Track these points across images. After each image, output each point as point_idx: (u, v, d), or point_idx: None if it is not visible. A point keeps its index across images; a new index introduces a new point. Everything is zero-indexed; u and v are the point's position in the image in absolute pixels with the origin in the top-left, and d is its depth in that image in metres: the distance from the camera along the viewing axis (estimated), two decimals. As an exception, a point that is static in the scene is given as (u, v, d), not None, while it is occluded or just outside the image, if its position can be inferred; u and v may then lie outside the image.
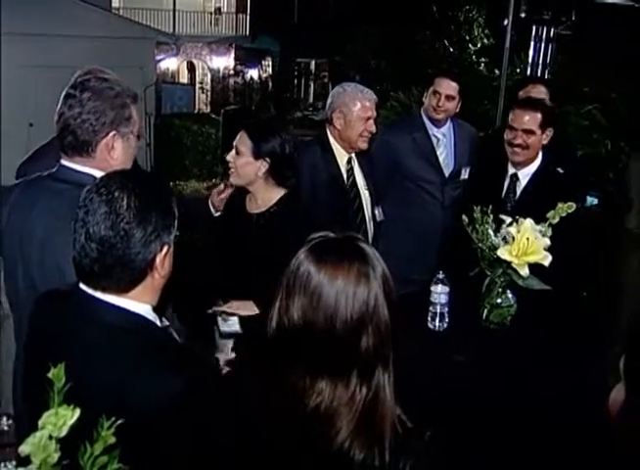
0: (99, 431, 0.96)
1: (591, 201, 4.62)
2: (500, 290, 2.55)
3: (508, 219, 2.53)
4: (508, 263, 2.47)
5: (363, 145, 3.16)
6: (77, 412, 0.94)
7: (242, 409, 1.29)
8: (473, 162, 3.75)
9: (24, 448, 0.92)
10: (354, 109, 3.10)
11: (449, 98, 3.62)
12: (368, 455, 1.18)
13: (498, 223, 2.54)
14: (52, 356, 1.04)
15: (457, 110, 3.71)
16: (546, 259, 2.47)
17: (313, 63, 23.93)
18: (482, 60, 10.02)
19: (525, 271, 2.46)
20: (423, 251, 3.55)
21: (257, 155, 2.56)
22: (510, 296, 2.56)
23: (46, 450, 0.92)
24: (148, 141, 10.27)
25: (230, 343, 2.31)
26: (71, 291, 1.44)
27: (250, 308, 2.49)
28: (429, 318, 2.58)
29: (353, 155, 3.22)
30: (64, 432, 0.93)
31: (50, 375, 0.97)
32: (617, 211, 4.28)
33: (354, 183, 3.22)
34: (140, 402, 1.26)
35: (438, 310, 2.56)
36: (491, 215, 2.53)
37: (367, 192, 3.26)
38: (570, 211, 2.49)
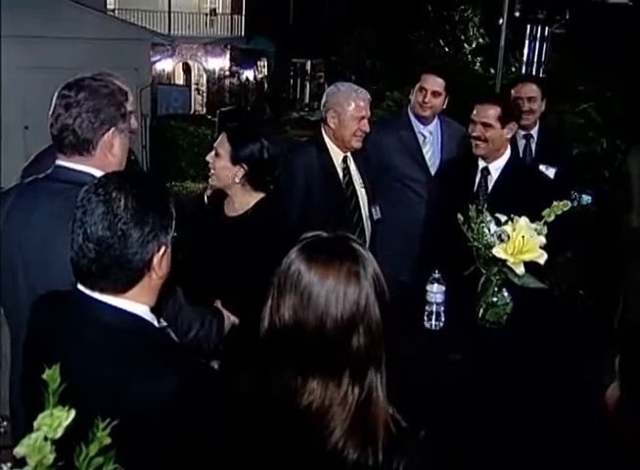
0: (94, 432, 0.96)
1: (586, 199, 4.62)
2: (496, 288, 2.56)
3: (503, 218, 2.54)
4: (503, 262, 2.48)
5: (357, 144, 3.17)
6: (73, 413, 0.94)
7: (236, 410, 1.29)
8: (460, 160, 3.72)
9: (20, 450, 0.92)
10: (348, 108, 3.10)
11: (435, 94, 3.58)
12: (362, 455, 1.18)
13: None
14: (50, 357, 1.04)
15: (444, 106, 3.67)
16: (542, 258, 2.47)
17: (309, 63, 23.88)
18: (478, 59, 10.04)
19: (520, 270, 2.47)
20: (410, 250, 3.48)
21: (235, 160, 2.53)
22: (506, 294, 2.57)
23: (41, 452, 0.92)
24: (144, 143, 10.24)
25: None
26: (69, 291, 1.44)
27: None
28: (424, 317, 2.58)
29: (349, 154, 3.22)
30: (59, 433, 0.93)
31: (45, 376, 0.97)
32: (616, 209, 4.26)
33: (350, 182, 3.22)
34: (137, 403, 1.26)
35: (434, 309, 2.56)
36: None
37: (364, 190, 3.25)
38: (565, 209, 2.51)
